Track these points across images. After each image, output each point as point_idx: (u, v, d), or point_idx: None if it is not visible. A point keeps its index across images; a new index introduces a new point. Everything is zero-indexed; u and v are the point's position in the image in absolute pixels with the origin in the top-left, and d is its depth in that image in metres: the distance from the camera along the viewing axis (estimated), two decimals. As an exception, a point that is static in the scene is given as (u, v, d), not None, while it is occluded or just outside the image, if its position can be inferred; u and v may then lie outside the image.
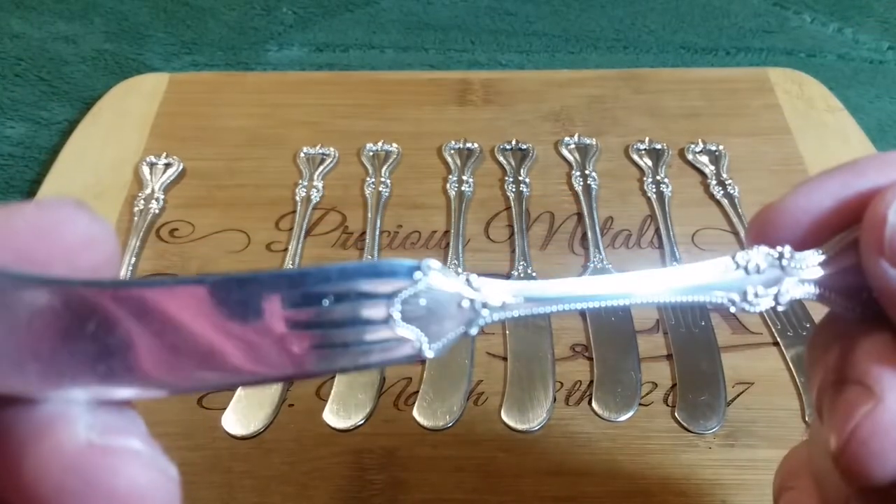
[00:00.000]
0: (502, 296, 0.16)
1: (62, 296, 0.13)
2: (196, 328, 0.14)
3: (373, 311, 0.15)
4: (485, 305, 0.16)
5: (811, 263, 0.17)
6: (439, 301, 0.15)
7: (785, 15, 0.61)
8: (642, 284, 0.17)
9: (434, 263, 0.15)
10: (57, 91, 0.54)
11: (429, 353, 0.15)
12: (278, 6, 0.62)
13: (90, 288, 0.13)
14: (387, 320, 0.15)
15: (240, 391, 0.35)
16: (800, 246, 0.17)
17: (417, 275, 0.15)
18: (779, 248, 0.17)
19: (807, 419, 0.35)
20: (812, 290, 0.17)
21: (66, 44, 0.58)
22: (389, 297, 0.15)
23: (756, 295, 0.17)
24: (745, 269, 0.17)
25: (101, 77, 0.55)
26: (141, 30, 0.59)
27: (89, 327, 0.13)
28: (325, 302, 0.14)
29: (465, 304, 0.16)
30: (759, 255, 0.17)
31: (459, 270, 0.16)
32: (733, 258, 0.17)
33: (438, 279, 0.15)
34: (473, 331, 0.16)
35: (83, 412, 0.13)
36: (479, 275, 0.16)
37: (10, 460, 0.13)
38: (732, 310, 0.17)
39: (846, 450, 0.15)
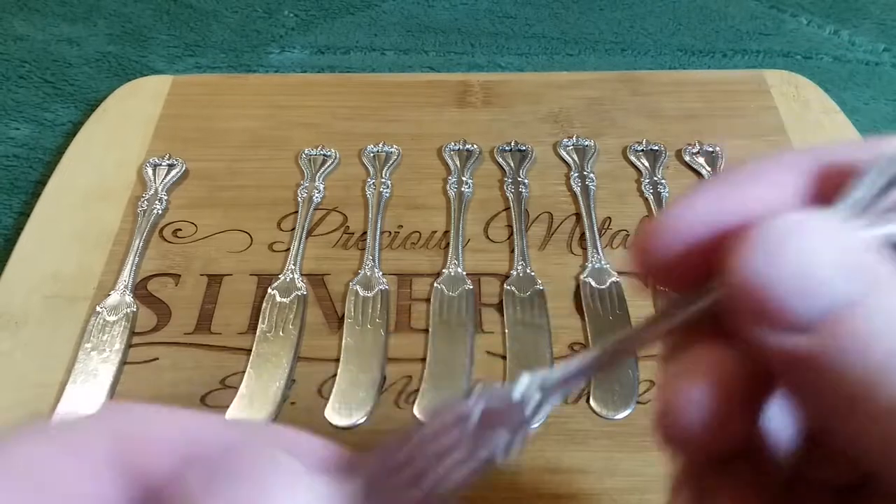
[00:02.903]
0: (539, 394, 0.16)
1: None
2: None
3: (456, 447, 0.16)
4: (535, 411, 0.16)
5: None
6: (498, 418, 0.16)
7: (781, 17, 0.61)
8: None
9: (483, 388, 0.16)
10: (61, 93, 0.54)
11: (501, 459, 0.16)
12: (280, 9, 0.62)
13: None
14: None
15: (242, 389, 0.36)
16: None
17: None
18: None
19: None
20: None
21: (69, 46, 0.58)
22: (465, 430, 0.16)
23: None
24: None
25: (105, 79, 0.55)
26: (144, 32, 0.60)
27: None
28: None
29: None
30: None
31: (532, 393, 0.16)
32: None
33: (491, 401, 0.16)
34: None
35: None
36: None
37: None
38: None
39: (658, 421, 0.15)
